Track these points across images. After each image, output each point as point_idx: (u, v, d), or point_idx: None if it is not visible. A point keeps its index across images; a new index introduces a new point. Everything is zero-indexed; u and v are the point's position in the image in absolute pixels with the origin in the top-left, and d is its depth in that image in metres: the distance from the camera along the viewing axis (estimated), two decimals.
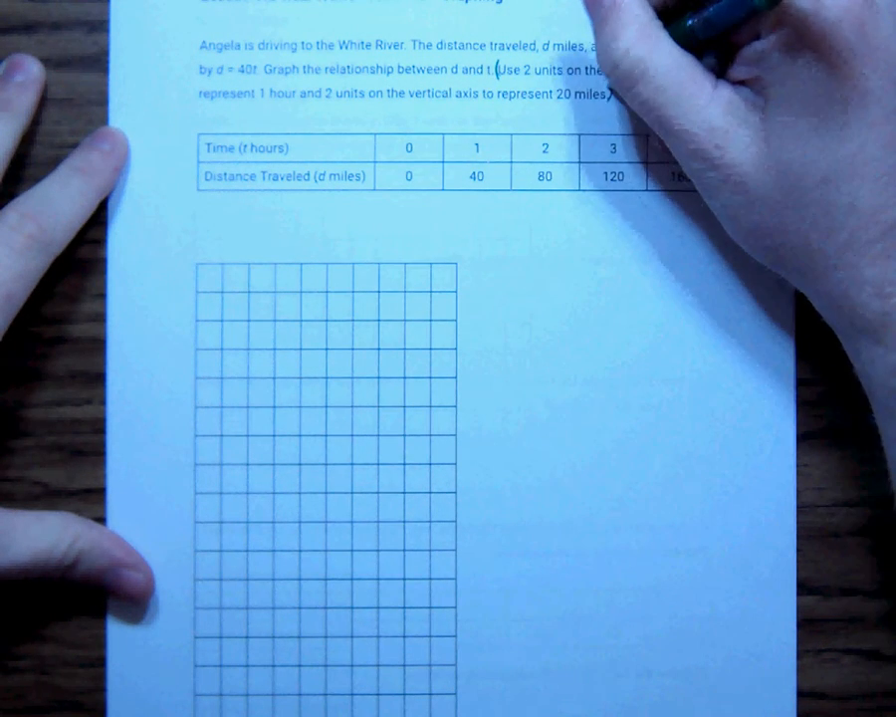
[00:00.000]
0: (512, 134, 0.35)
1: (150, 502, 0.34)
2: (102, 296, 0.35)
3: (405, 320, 0.35)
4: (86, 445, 0.35)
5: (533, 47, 0.35)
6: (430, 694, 0.34)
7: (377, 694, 0.34)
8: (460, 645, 0.34)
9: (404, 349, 0.35)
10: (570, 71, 0.35)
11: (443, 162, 0.35)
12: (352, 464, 0.35)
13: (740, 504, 0.34)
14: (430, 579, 0.35)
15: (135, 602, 0.34)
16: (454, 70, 0.35)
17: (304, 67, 0.35)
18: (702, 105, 0.30)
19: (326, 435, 0.35)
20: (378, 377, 0.35)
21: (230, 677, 0.34)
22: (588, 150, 0.35)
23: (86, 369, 0.35)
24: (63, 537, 0.32)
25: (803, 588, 0.35)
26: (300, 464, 0.35)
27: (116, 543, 0.33)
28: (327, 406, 0.35)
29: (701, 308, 0.35)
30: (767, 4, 0.28)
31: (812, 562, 0.35)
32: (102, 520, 0.34)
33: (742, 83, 0.30)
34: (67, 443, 0.35)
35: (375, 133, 0.35)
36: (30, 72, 0.34)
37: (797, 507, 0.35)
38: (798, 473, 0.35)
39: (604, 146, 0.35)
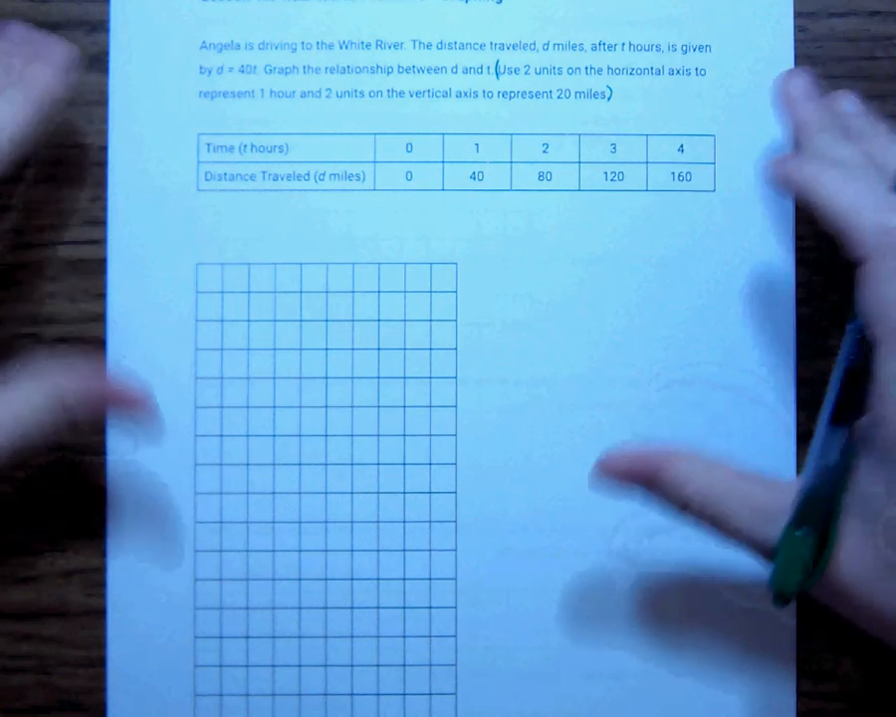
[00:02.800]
0: (512, 134, 0.35)
1: (150, 502, 0.34)
2: (102, 296, 0.35)
3: (405, 320, 0.35)
4: (86, 445, 0.34)
5: (533, 47, 0.35)
6: (430, 694, 0.34)
7: (377, 694, 0.34)
8: (460, 645, 0.34)
9: (404, 349, 0.35)
10: (570, 71, 0.35)
11: (443, 162, 0.35)
12: (352, 464, 0.35)
13: None
14: (430, 579, 0.35)
15: (147, 429, 0.32)
16: (454, 70, 0.35)
17: (304, 67, 0.35)
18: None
19: (325, 435, 0.35)
20: (378, 377, 0.35)
21: (230, 677, 0.34)
22: (588, 150, 0.35)
23: None
24: (47, 402, 0.29)
25: None
26: (300, 464, 0.35)
27: (105, 384, 0.31)
28: (327, 406, 0.35)
29: (701, 308, 0.35)
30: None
31: None
32: (102, 520, 0.34)
33: None
34: (67, 443, 0.34)
35: (375, 133, 0.35)
36: (56, 49, 0.32)
37: None
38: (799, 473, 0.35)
39: (604, 146, 0.35)
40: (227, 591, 0.34)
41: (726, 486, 0.29)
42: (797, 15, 0.35)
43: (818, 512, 0.28)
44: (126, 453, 0.34)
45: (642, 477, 0.30)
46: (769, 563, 0.29)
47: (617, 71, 0.35)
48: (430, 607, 0.34)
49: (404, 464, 0.35)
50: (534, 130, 0.35)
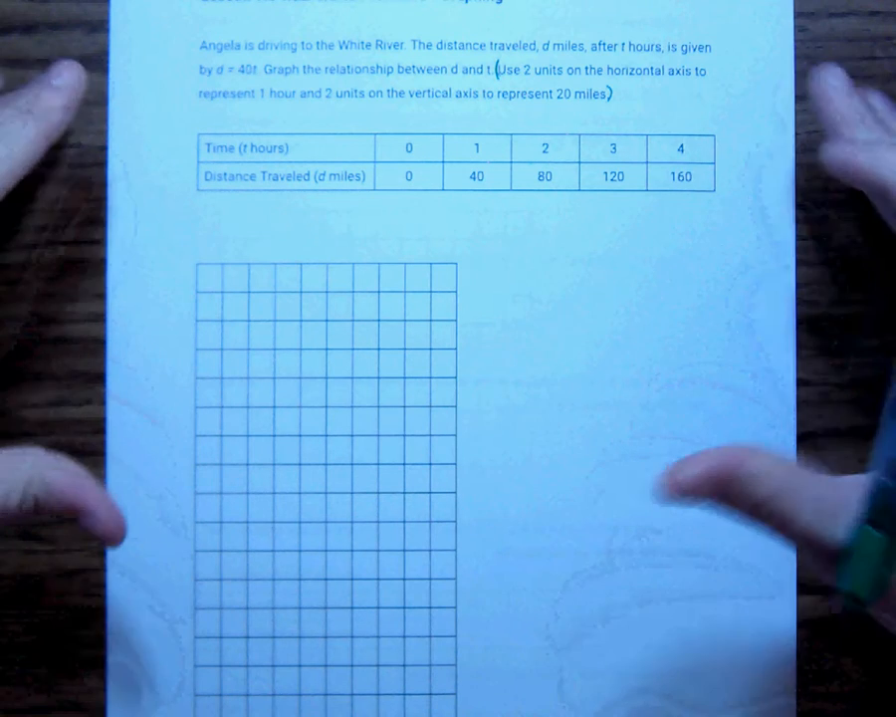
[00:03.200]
0: (512, 134, 0.35)
1: (150, 502, 0.34)
2: (102, 296, 0.35)
3: (405, 320, 0.35)
4: (86, 445, 0.34)
5: (533, 47, 0.35)
6: (430, 694, 0.34)
7: (377, 694, 0.34)
8: (460, 645, 0.34)
9: (404, 349, 0.35)
10: (570, 71, 0.35)
11: (443, 162, 0.35)
12: (352, 464, 0.35)
13: None
14: (430, 579, 0.35)
15: (104, 544, 0.30)
16: (454, 70, 0.35)
17: (304, 67, 0.35)
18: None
19: (325, 435, 0.35)
20: (378, 377, 0.35)
21: (230, 677, 0.34)
22: (588, 150, 0.35)
23: (86, 369, 0.35)
24: (14, 484, 0.28)
25: (803, 588, 0.35)
26: (300, 464, 0.35)
27: (75, 486, 0.29)
28: (327, 406, 0.35)
29: (702, 308, 0.35)
30: None
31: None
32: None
33: None
34: (67, 443, 0.34)
35: (375, 133, 0.35)
36: (67, 76, 0.32)
37: None
38: None
39: (604, 146, 0.35)
40: (227, 590, 0.34)
41: (794, 482, 0.28)
42: (797, 15, 0.35)
43: (890, 511, 0.26)
44: (127, 454, 0.34)
45: (718, 481, 0.28)
46: (827, 564, 0.27)
47: (617, 71, 0.35)
48: (430, 608, 0.34)
49: (404, 464, 0.35)
50: (534, 130, 0.35)
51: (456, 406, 0.35)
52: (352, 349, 0.35)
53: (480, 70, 0.35)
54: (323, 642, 0.34)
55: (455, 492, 0.35)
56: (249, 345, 0.35)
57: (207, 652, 0.34)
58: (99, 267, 0.35)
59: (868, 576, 0.26)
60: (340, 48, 0.35)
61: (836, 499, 0.27)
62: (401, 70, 0.35)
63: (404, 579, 0.34)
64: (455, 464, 0.35)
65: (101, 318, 0.35)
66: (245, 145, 0.35)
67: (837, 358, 0.35)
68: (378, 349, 0.35)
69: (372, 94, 0.35)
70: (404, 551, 0.35)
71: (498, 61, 0.35)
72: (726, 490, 0.28)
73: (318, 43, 0.35)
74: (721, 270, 0.35)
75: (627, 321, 0.35)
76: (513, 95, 0.35)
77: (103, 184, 0.35)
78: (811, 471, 0.28)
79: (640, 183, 0.35)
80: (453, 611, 0.34)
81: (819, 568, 0.28)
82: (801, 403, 0.35)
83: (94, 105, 0.35)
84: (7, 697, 0.34)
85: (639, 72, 0.35)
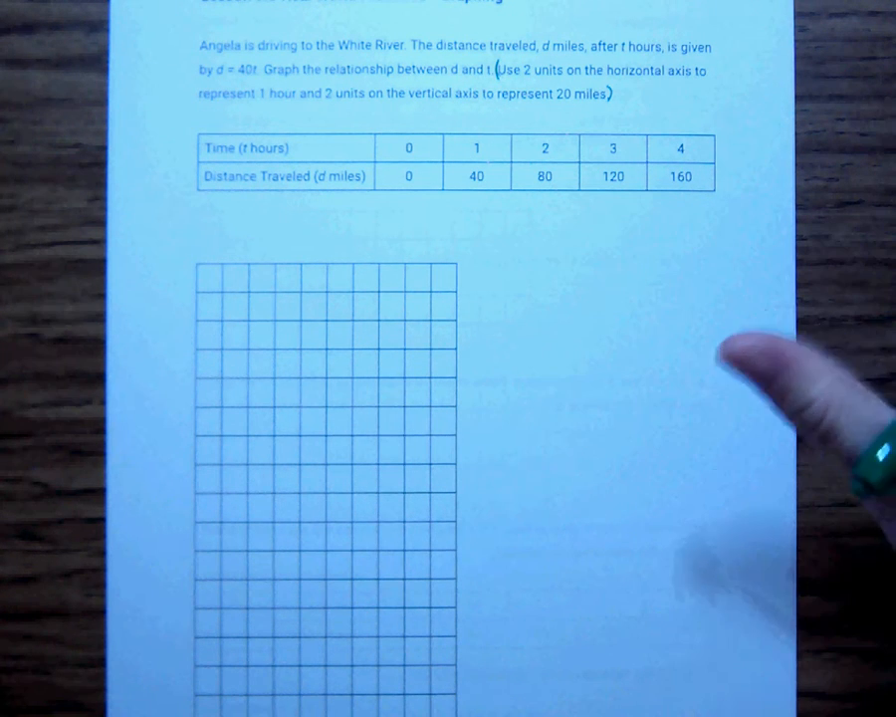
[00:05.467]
0: (512, 134, 0.35)
1: (150, 502, 0.34)
2: (102, 296, 0.35)
3: (405, 320, 0.35)
4: (86, 445, 0.35)
5: (533, 47, 0.35)
6: (430, 694, 0.34)
7: (377, 694, 0.34)
8: (460, 645, 0.34)
9: (404, 349, 0.35)
10: (570, 71, 0.35)
11: (443, 162, 0.35)
12: (352, 464, 0.35)
13: (740, 504, 0.34)
14: (430, 579, 0.35)
15: None
16: (454, 70, 0.35)
17: (304, 67, 0.35)
18: None
19: (326, 435, 0.35)
20: (378, 377, 0.35)
21: (230, 677, 0.34)
22: (588, 150, 0.35)
23: (86, 369, 0.35)
24: None
25: (803, 588, 0.35)
26: (300, 464, 0.35)
27: None
28: (327, 406, 0.35)
29: (701, 308, 0.35)
30: None
31: (812, 562, 0.35)
32: (102, 520, 0.34)
33: None
34: (67, 443, 0.35)
35: (375, 133, 0.35)
36: None
37: (797, 507, 0.35)
38: (798, 473, 0.35)
39: (604, 146, 0.35)
40: (227, 591, 0.34)
41: (847, 395, 0.27)
42: (797, 15, 0.35)
43: None
44: (127, 454, 0.34)
45: (769, 368, 0.28)
46: (866, 494, 0.27)
47: (617, 71, 0.35)
48: (430, 608, 0.34)
49: (404, 464, 0.35)
50: (534, 130, 0.35)
51: (456, 406, 0.35)
52: (352, 349, 0.35)
53: (480, 70, 0.35)
54: (323, 642, 0.34)
55: (455, 492, 0.35)
56: (249, 345, 0.35)
57: (207, 652, 0.34)
58: (99, 267, 0.35)
59: (882, 465, 0.26)
60: (340, 48, 0.35)
61: (884, 423, 0.26)
62: (401, 70, 0.35)
63: (404, 579, 0.35)
64: (455, 464, 0.35)
65: (101, 318, 0.35)
66: (245, 145, 0.35)
67: (836, 356, 0.35)
68: (378, 349, 0.35)
69: (372, 94, 0.35)
70: (404, 551, 0.35)
71: (498, 61, 0.35)
72: (777, 380, 0.28)
73: (318, 43, 0.35)
74: (720, 270, 0.35)
75: (627, 321, 0.35)
76: (513, 95, 0.35)
77: (103, 184, 0.35)
78: (862, 387, 0.27)
79: (640, 183, 0.35)
80: (453, 611, 0.34)
81: (858, 492, 0.27)
82: None
83: (94, 105, 0.35)
84: (7, 697, 0.34)
85: (639, 72, 0.35)
